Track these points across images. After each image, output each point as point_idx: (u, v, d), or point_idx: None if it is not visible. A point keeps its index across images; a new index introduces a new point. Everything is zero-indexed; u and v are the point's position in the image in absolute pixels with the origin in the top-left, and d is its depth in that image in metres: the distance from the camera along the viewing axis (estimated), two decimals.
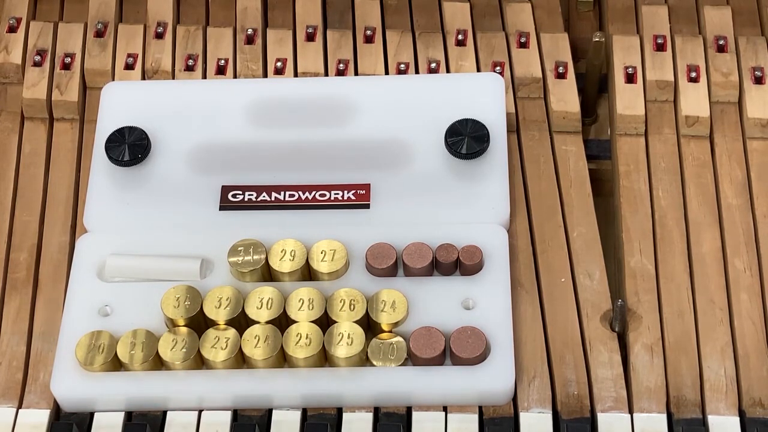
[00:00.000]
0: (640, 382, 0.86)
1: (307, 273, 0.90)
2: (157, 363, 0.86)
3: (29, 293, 0.92)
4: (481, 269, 0.89)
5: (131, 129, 0.95)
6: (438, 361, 0.86)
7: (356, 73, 1.02)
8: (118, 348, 0.86)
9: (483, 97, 0.96)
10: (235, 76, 1.02)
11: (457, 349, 0.85)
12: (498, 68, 1.01)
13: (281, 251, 0.89)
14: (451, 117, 0.94)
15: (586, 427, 0.85)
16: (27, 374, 0.88)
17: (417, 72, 1.01)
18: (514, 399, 0.86)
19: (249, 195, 0.93)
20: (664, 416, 0.85)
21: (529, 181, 0.96)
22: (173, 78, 1.01)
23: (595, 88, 1.02)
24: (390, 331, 0.87)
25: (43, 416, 0.86)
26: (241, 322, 0.87)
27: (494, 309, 0.87)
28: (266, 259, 0.89)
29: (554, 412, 0.86)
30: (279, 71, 1.01)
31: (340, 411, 0.86)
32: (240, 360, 0.86)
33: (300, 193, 0.93)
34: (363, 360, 0.86)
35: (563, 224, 0.94)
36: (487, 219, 0.91)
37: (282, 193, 0.93)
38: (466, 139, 0.93)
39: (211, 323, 0.87)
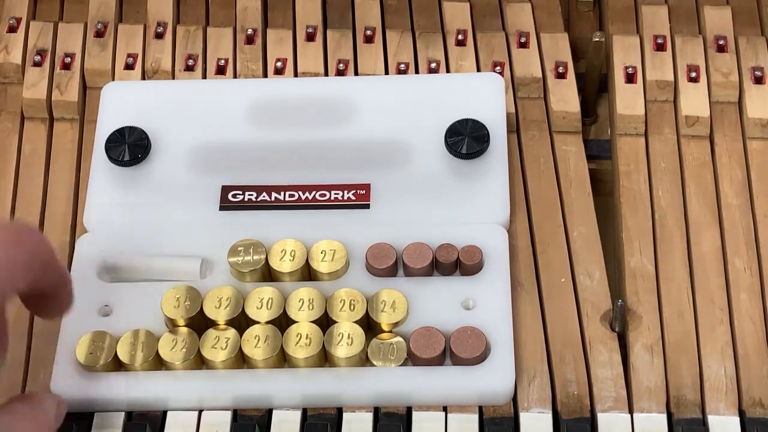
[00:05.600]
0: (640, 382, 0.86)
1: (307, 273, 0.90)
2: (157, 363, 0.86)
3: None
4: (481, 269, 0.89)
5: (131, 129, 0.95)
6: (438, 361, 0.86)
7: (356, 73, 1.02)
8: (118, 348, 0.86)
9: (483, 97, 0.96)
10: (235, 76, 1.02)
11: (457, 349, 0.85)
12: (498, 68, 1.01)
13: (281, 251, 0.89)
14: (451, 117, 0.94)
15: (586, 427, 0.85)
16: (27, 374, 0.88)
17: (417, 72, 1.01)
18: (514, 399, 0.86)
19: (249, 195, 0.93)
20: (664, 416, 0.85)
21: (529, 181, 0.96)
22: (173, 78, 1.01)
23: (595, 88, 1.02)
24: (390, 331, 0.87)
25: None
26: (241, 322, 0.87)
27: (494, 309, 0.87)
28: (266, 259, 0.89)
29: (554, 412, 0.86)
30: (279, 71, 1.01)
31: (340, 411, 0.86)
32: (240, 360, 0.86)
33: (300, 193, 0.93)
34: (363, 360, 0.86)
35: (563, 224, 0.94)
36: (487, 219, 0.91)
37: (282, 193, 0.93)
38: (466, 139, 0.93)
39: (211, 323, 0.87)
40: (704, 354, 0.87)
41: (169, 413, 0.86)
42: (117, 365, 0.86)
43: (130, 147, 0.94)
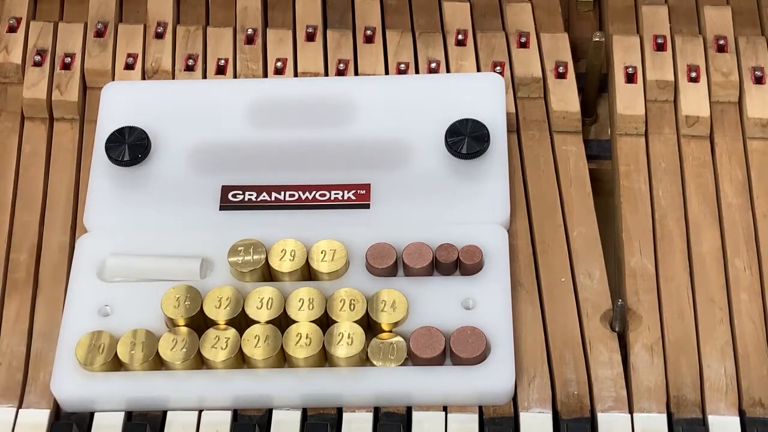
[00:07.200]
0: (640, 382, 0.86)
1: (307, 273, 0.90)
2: (157, 363, 0.86)
3: (29, 293, 0.91)
4: (481, 269, 0.89)
5: (131, 129, 0.95)
6: (438, 361, 0.86)
7: (356, 73, 1.02)
8: (118, 348, 0.86)
9: (483, 97, 0.96)
10: (235, 76, 1.02)
11: (457, 349, 0.85)
12: (498, 68, 1.01)
13: (281, 251, 0.89)
14: (451, 117, 0.94)
15: (586, 427, 0.85)
16: (27, 374, 0.88)
17: (417, 72, 1.01)
18: (514, 399, 0.86)
19: (249, 195, 0.93)
20: (664, 416, 0.85)
21: (529, 181, 0.96)
22: (173, 78, 1.01)
23: (595, 88, 1.02)
24: (390, 331, 0.87)
25: (43, 416, 0.86)
26: (241, 322, 0.87)
27: (494, 309, 0.87)
28: (266, 259, 0.89)
29: (554, 412, 0.86)
30: (279, 71, 1.01)
31: (340, 411, 0.86)
32: (240, 360, 0.86)
33: (300, 193, 0.93)
34: (363, 360, 0.86)
35: (563, 224, 0.94)
36: (487, 219, 0.91)
37: (282, 193, 0.93)
38: (466, 139, 0.93)
39: (211, 323, 0.87)
40: (704, 354, 0.87)
41: (169, 413, 0.86)
42: (117, 365, 0.86)
43: (130, 147, 0.94)
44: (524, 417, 0.85)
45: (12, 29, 1.03)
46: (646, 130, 0.98)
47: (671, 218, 0.94)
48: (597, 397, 0.86)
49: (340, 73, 1.01)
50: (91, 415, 0.86)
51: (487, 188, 0.92)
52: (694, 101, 0.98)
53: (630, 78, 0.99)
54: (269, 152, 0.95)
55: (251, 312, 0.87)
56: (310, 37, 1.03)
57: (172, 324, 0.87)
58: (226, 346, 0.86)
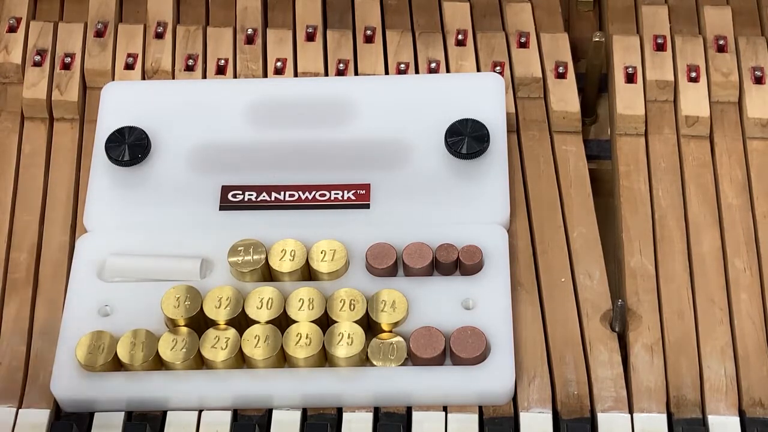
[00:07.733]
0: (640, 382, 0.86)
1: (307, 273, 0.90)
2: (157, 363, 0.86)
3: (29, 293, 0.91)
4: (481, 269, 0.89)
5: (131, 129, 0.95)
6: (438, 361, 0.86)
7: (356, 73, 1.02)
8: (118, 348, 0.86)
9: (483, 97, 0.96)
10: (235, 76, 1.02)
11: (457, 349, 0.85)
12: (498, 68, 1.01)
13: (281, 251, 0.89)
14: (451, 117, 0.94)
15: (586, 427, 0.85)
16: (27, 374, 0.88)
17: (417, 72, 1.01)
18: (514, 399, 0.86)
19: (249, 195, 0.93)
20: (664, 416, 0.85)
21: (529, 181, 0.96)
22: (173, 78, 1.01)
23: (595, 88, 1.02)
24: (390, 331, 0.87)
25: (43, 416, 0.86)
26: (241, 322, 0.87)
27: (494, 309, 0.87)
28: (266, 259, 0.89)
29: (554, 412, 0.86)
30: (279, 71, 1.01)
31: (340, 411, 0.86)
32: (240, 360, 0.86)
33: (300, 193, 0.93)
34: (363, 360, 0.86)
35: (563, 224, 0.94)
36: (487, 219, 0.91)
37: (282, 193, 0.93)
38: (466, 139, 0.93)
39: (211, 323, 0.87)
40: (704, 354, 0.87)
41: (169, 413, 0.86)
42: (117, 365, 0.86)
43: (130, 147, 0.94)
44: (524, 417, 0.85)
45: (12, 29, 1.03)
46: (646, 130, 0.98)
47: (671, 218, 0.94)
48: (597, 397, 0.86)
49: (340, 73, 1.01)
50: (91, 415, 0.86)
51: (487, 188, 0.92)
52: (694, 101, 0.98)
53: (630, 78, 0.99)
54: (269, 152, 0.95)
55: (251, 312, 0.87)
56: (310, 37, 1.03)
57: (172, 324, 0.87)
58: (226, 346, 0.86)
